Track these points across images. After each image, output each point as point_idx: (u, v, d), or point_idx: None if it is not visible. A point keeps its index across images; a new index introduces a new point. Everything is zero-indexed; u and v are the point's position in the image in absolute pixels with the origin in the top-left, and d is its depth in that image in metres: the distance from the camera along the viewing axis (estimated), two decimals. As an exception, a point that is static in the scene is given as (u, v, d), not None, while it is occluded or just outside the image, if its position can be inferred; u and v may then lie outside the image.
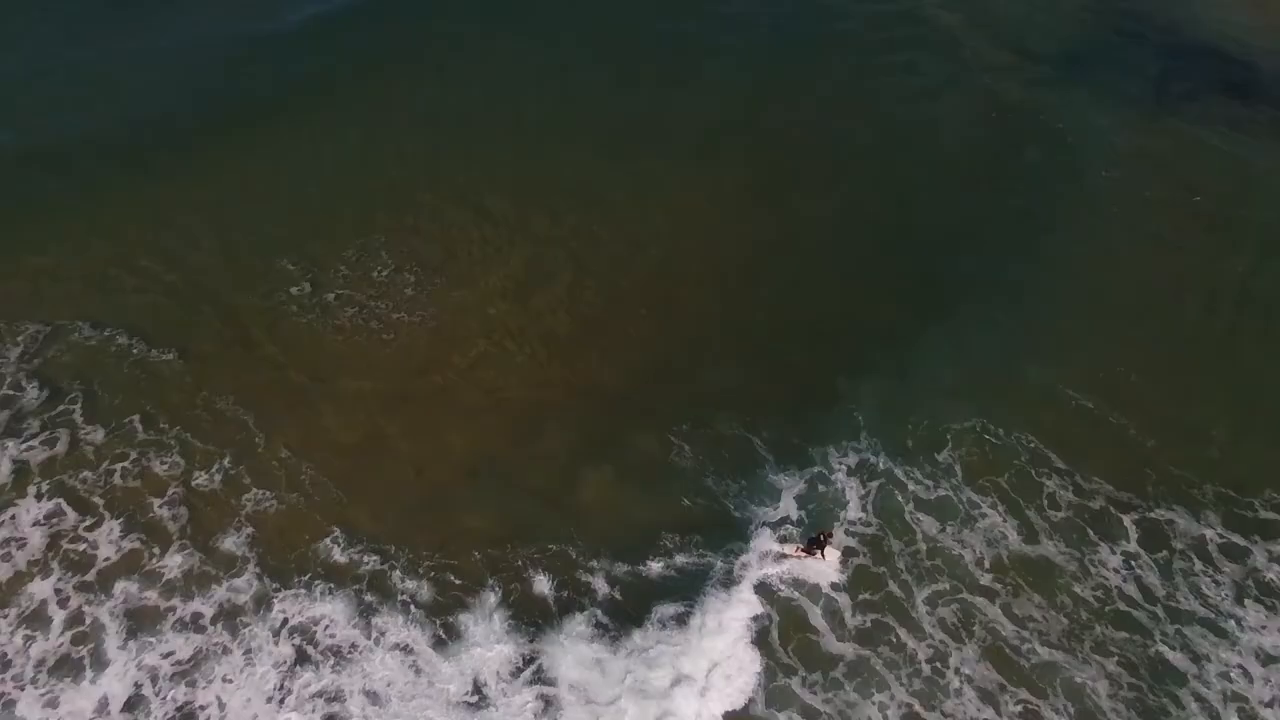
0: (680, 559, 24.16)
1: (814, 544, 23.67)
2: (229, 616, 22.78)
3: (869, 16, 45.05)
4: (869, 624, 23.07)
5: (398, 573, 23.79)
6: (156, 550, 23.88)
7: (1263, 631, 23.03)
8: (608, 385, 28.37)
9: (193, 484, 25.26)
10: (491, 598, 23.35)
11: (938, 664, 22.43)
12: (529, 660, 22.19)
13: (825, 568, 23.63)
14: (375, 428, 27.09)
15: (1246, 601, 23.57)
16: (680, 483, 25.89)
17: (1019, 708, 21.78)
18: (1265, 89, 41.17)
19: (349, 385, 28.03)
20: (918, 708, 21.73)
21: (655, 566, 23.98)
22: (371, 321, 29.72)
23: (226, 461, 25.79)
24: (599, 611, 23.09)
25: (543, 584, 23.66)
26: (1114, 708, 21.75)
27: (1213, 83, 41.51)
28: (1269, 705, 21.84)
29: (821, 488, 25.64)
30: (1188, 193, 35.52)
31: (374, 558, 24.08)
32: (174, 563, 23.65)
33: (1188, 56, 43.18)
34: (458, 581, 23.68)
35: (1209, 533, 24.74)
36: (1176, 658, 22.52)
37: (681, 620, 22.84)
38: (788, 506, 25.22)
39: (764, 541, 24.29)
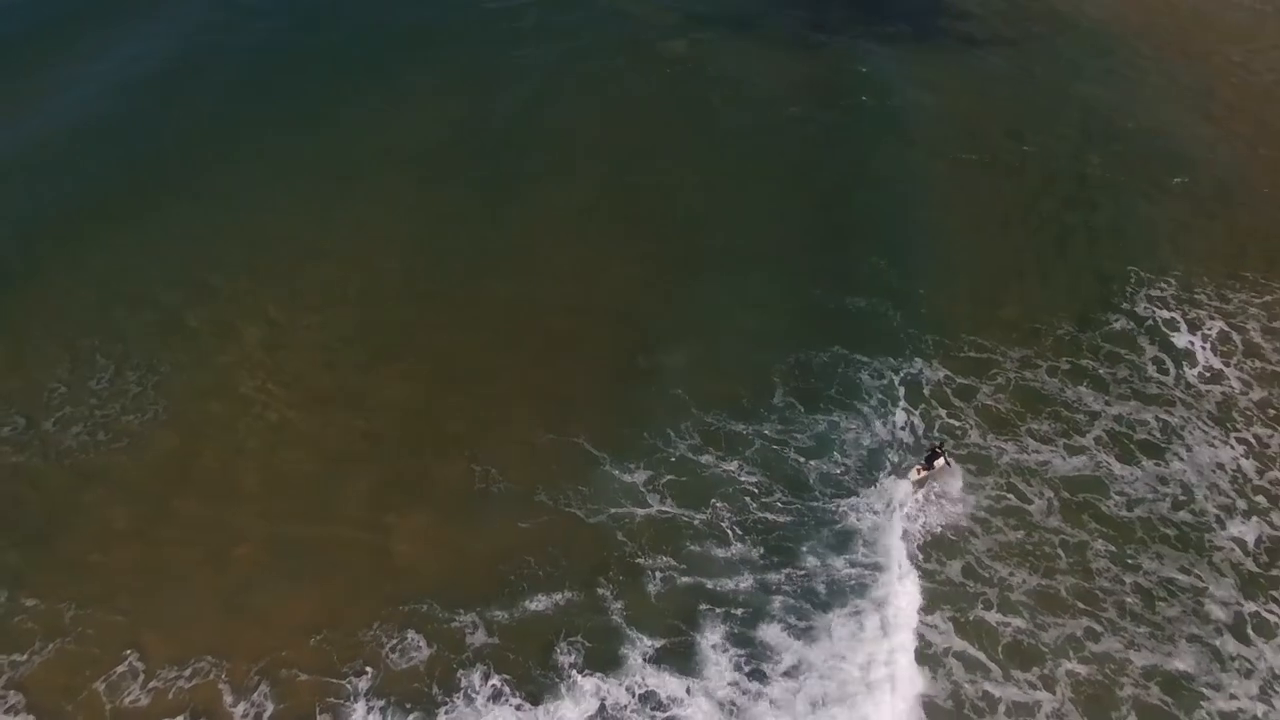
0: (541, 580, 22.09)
1: (931, 459, 23.79)
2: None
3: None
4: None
5: (226, 691, 19.68)
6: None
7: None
8: (397, 426, 25.65)
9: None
10: (353, 686, 19.94)
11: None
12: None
13: (953, 475, 24.03)
14: (144, 536, 22.72)
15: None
16: (503, 508, 23.69)
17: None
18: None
19: (96, 508, 23.33)
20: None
21: (534, 605, 21.63)
22: (99, 434, 24.88)
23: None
24: (488, 666, 20.42)
25: (412, 652, 20.56)
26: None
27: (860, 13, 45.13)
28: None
29: (669, 476, 24.38)
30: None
31: (188, 681, 19.79)
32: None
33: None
34: (305, 678, 20.02)
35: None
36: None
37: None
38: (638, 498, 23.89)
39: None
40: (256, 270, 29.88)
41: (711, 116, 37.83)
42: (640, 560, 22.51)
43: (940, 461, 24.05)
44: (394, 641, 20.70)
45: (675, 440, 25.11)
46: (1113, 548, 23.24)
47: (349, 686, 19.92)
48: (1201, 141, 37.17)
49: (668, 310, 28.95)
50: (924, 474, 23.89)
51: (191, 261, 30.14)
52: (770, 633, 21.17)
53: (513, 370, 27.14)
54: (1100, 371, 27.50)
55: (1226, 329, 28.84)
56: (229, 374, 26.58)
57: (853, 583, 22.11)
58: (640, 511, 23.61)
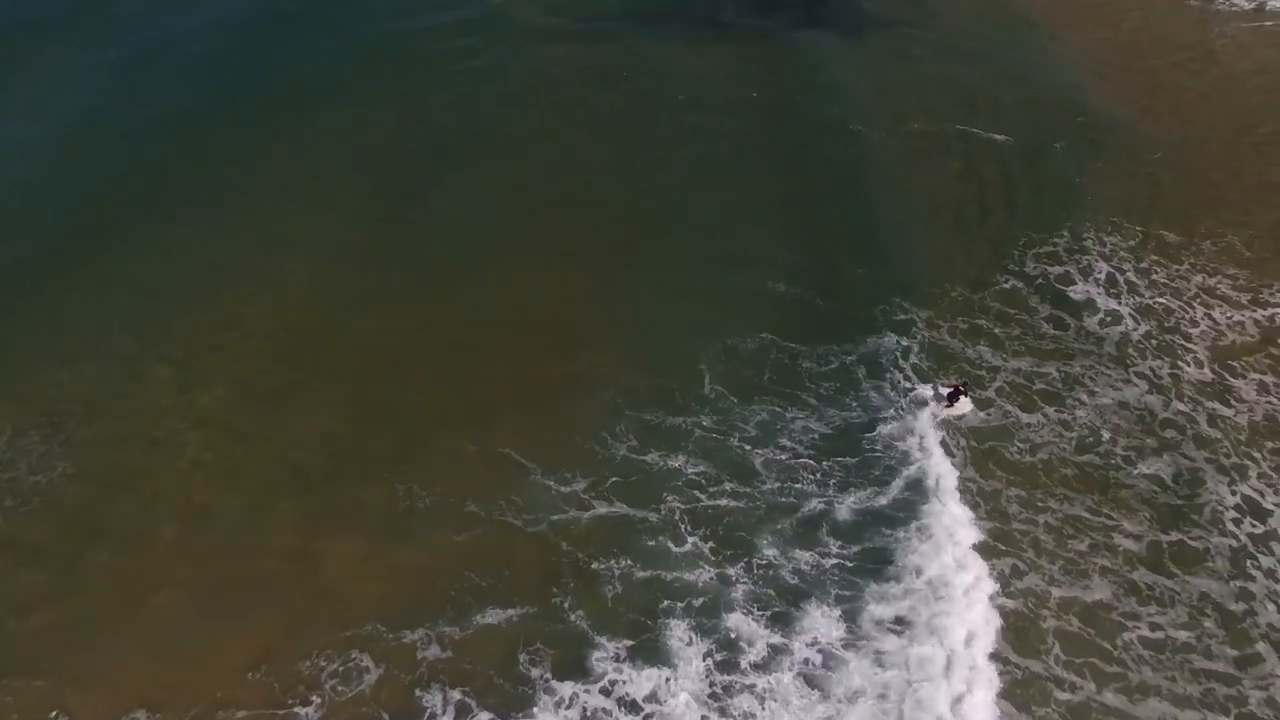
0: (488, 592, 21.72)
1: (953, 396, 24.76)
2: None
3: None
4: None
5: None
6: None
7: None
8: (317, 453, 25.02)
9: None
10: (303, 715, 19.28)
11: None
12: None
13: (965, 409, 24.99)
14: (60, 596, 21.71)
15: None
16: (434, 523, 23.30)
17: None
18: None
19: (6, 576, 22.32)
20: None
21: (486, 618, 21.22)
22: (5, 500, 23.71)
23: None
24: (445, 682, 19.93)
25: (362, 674, 19.98)
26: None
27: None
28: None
29: (614, 478, 24.22)
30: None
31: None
32: None
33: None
34: (245, 714, 19.32)
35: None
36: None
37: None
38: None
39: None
40: (158, 310, 28.93)
41: (624, 116, 37.59)
42: (594, 565, 22.29)
43: (963, 400, 24.95)
44: (338, 666, 20.05)
45: (613, 442, 24.89)
46: (1022, 492, 23.84)
47: (298, 716, 19.23)
48: (1087, 105, 38.35)
49: (589, 313, 28.74)
50: (947, 410, 24.93)
51: (87, 309, 29.01)
52: (737, 621, 21.27)
53: (431, 387, 26.66)
54: (997, 330, 28.09)
55: (1112, 271, 29.89)
56: (138, 420, 25.56)
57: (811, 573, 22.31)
58: (585, 515, 23.36)
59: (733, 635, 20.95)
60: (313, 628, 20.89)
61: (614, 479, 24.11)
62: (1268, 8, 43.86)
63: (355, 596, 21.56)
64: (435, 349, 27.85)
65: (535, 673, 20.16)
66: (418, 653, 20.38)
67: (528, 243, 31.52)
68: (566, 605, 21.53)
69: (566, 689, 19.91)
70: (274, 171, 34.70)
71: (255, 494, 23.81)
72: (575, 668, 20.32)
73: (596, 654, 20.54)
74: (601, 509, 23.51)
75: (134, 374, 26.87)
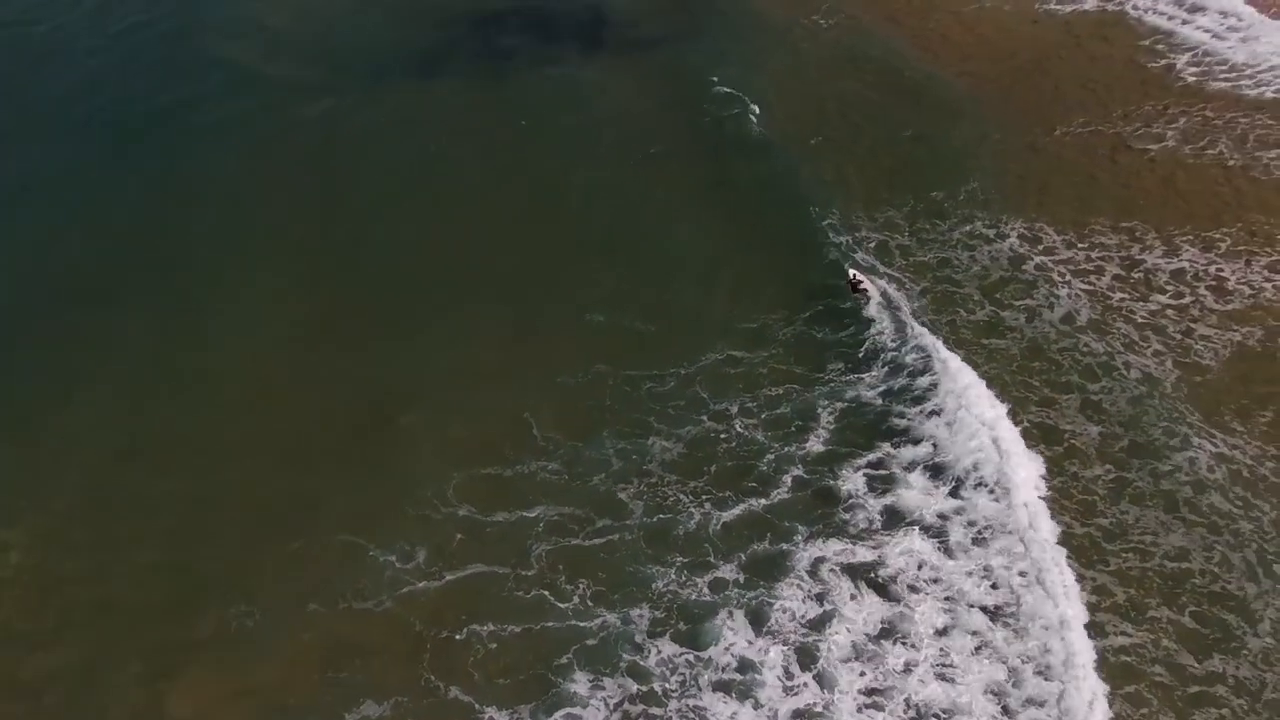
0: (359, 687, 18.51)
1: (855, 286, 26.89)
2: None
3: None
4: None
5: None
6: None
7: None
8: (137, 590, 21.74)
9: None
10: None
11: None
12: None
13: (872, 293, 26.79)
14: None
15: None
16: (275, 633, 20.42)
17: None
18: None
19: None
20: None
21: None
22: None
23: None
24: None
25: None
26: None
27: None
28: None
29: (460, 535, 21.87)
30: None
31: None
32: None
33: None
34: None
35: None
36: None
37: None
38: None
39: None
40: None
41: (392, 170, 33.99)
42: (458, 635, 20.13)
43: (864, 284, 26.94)
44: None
45: (450, 505, 22.63)
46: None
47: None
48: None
49: (404, 375, 26.11)
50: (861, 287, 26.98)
51: None
52: (642, 654, 19.45)
53: (245, 487, 23.56)
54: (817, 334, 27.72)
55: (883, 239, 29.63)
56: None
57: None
58: (434, 585, 21.08)
59: (642, 667, 18.98)
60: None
61: (461, 541, 21.93)
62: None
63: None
64: (246, 443, 24.55)
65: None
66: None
67: (318, 311, 28.25)
68: (439, 683, 19.16)
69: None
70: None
71: (82, 651, 20.58)
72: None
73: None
74: (452, 575, 21.26)
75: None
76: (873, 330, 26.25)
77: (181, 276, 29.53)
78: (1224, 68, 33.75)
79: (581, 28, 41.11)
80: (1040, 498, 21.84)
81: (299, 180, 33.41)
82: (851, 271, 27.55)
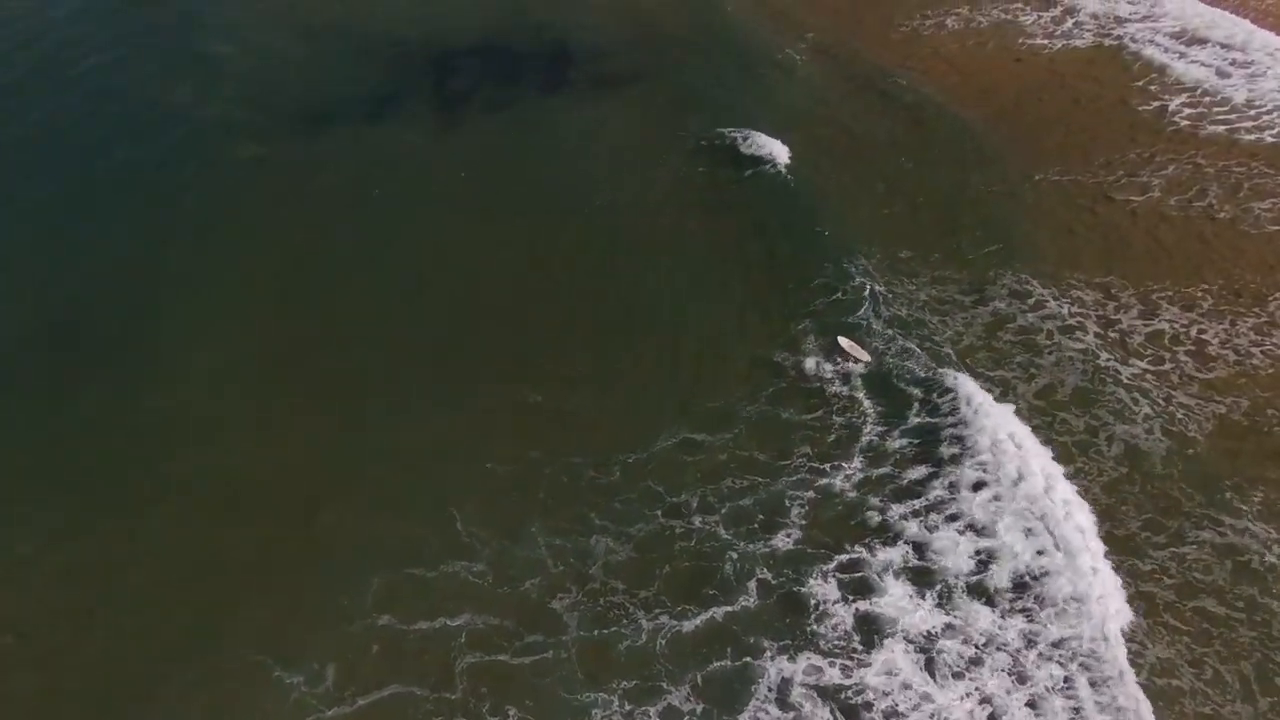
0: None
1: (840, 349, 25.70)
2: None
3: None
4: None
5: None
6: None
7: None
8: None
9: None
10: None
11: None
12: None
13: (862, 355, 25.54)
14: None
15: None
16: None
17: None
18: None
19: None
20: None
21: None
22: None
23: None
24: None
25: None
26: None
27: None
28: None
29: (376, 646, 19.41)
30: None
31: None
32: None
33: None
34: None
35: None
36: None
37: None
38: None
39: None
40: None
41: (325, 249, 30.91)
42: None
43: (845, 344, 25.66)
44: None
45: (366, 614, 20.14)
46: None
47: None
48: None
49: (322, 466, 23.55)
50: (851, 352, 25.59)
51: None
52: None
53: (141, 602, 21.02)
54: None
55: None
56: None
57: None
58: (345, 711, 18.66)
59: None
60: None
61: (379, 654, 19.53)
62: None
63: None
64: (152, 549, 22.00)
65: None
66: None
67: (237, 388, 25.76)
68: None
69: None
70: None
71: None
72: None
73: None
74: (365, 699, 18.82)
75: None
76: (843, 408, 23.87)
77: (87, 342, 27.15)
78: (1223, 109, 31.72)
79: (547, 67, 39.10)
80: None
81: (232, 232, 31.19)
82: (843, 341, 25.82)
